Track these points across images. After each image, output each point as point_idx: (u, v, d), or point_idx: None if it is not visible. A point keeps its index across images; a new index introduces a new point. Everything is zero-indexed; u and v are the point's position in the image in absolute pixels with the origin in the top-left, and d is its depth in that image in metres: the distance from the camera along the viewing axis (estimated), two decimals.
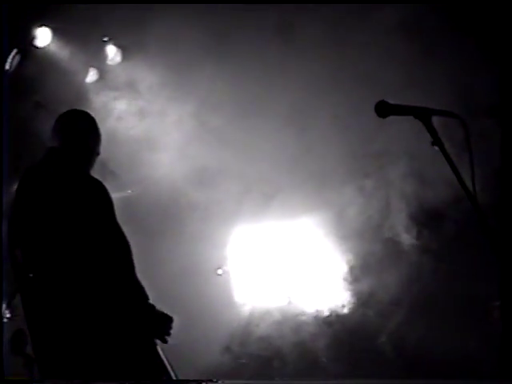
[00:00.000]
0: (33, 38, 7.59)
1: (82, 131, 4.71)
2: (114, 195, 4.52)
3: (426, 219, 7.48)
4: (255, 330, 7.71)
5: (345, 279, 7.67)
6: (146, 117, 7.68)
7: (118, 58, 7.92)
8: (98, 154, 4.80)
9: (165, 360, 4.50)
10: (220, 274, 7.98)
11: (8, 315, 6.60)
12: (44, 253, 4.38)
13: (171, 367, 4.53)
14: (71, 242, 4.31)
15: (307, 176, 7.49)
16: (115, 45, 7.85)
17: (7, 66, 7.55)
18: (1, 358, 5.54)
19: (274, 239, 7.83)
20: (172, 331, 4.51)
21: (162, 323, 4.46)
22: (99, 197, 4.40)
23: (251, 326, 7.74)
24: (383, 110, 3.47)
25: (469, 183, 3.38)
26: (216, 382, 3.77)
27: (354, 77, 7.02)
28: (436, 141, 3.45)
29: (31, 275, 4.41)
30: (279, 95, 7.23)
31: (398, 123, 4.26)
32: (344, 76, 7.06)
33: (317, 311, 7.74)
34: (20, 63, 7.59)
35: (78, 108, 5.33)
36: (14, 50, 7.55)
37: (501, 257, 3.30)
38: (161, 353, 4.51)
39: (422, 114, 3.48)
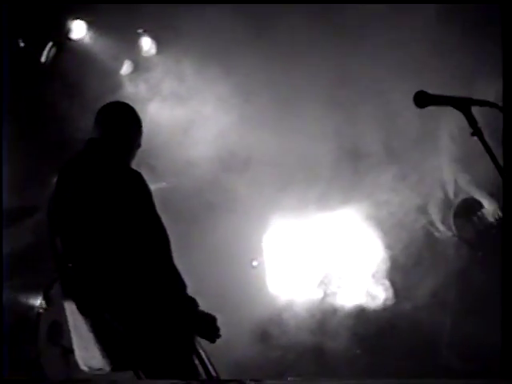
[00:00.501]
0: (68, 30, 7.64)
1: (123, 123, 4.71)
2: (150, 186, 4.53)
3: (465, 209, 7.42)
4: (288, 323, 7.67)
5: (382, 271, 7.60)
6: (182, 107, 7.67)
7: (153, 50, 7.94)
8: (138, 146, 4.80)
9: (203, 354, 4.53)
10: (255, 266, 7.95)
11: (44, 306, 6.65)
12: (83, 243, 4.39)
13: (210, 361, 4.54)
14: (110, 232, 4.32)
15: (345, 165, 7.45)
16: (150, 36, 7.87)
17: (43, 59, 7.60)
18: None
19: (311, 230, 7.77)
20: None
21: (209, 324, 4.48)
22: (138, 187, 4.41)
23: (284, 319, 7.70)
24: (422, 100, 3.44)
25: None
26: (259, 381, 3.75)
27: (397, 66, 6.94)
28: (476, 131, 3.42)
29: (70, 265, 4.43)
30: (319, 79, 7.17)
31: (438, 112, 4.21)
32: (387, 64, 6.98)
33: (352, 305, 7.69)
34: (55, 56, 7.64)
35: (113, 100, 5.34)
36: (50, 43, 7.60)
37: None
38: (199, 347, 4.53)
39: (462, 104, 3.44)
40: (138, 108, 4.96)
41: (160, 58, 7.90)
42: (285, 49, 7.22)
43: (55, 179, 4.67)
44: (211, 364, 4.54)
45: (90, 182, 4.44)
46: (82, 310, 4.44)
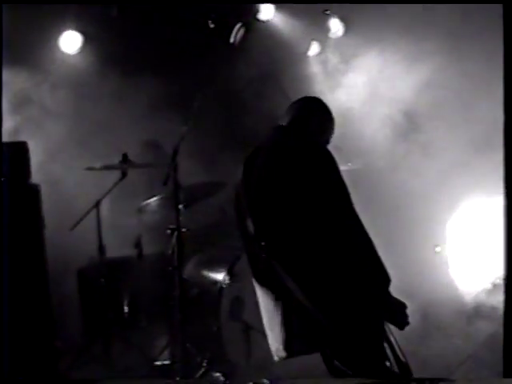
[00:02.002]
0: (256, 12, 7.75)
1: (309, 113, 4.73)
2: None
3: None
4: (468, 312, 7.44)
5: None
6: (369, 88, 7.59)
7: (341, 32, 7.92)
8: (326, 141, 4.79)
9: (393, 340, 4.50)
10: (438, 252, 7.78)
11: (227, 281, 6.77)
12: (276, 222, 4.44)
13: (399, 347, 4.50)
14: (304, 211, 4.35)
15: None
16: (338, 18, 7.85)
17: (231, 39, 7.75)
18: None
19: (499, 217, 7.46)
20: None
21: (400, 311, 4.45)
22: (326, 164, 4.42)
23: (463, 308, 7.47)
24: None
25: None
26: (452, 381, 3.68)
27: None
28: None
29: (263, 243, 4.49)
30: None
31: None
32: None
33: None
34: (244, 36, 7.77)
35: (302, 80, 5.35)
36: (239, 24, 7.74)
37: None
38: (389, 333, 4.50)
39: None
40: (324, 89, 4.95)
41: (347, 40, 7.86)
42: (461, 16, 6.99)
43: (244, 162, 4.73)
44: (400, 349, 4.50)
45: (280, 162, 4.48)
46: (274, 293, 4.51)
